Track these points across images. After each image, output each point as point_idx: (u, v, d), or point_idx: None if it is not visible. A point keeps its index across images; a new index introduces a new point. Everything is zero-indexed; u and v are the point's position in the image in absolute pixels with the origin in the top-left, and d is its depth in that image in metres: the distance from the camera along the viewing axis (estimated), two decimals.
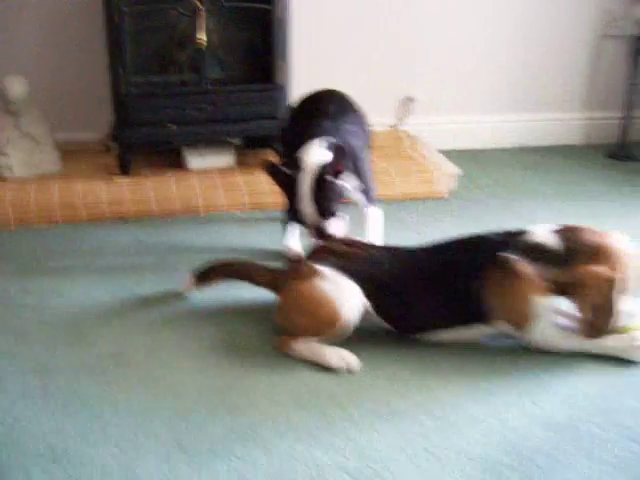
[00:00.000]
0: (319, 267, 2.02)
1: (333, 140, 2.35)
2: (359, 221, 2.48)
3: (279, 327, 2.08)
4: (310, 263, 2.05)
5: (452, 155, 3.51)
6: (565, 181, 3.41)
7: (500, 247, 2.01)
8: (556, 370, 1.97)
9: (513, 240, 2.02)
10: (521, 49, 3.80)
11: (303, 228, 2.41)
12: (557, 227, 2.04)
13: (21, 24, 3.29)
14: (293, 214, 2.33)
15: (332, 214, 2.27)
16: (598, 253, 1.96)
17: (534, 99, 3.90)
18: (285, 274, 2.11)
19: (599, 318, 1.96)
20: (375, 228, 2.50)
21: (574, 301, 1.99)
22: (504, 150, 3.83)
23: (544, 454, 1.67)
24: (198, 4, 2.94)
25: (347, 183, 2.36)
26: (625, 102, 3.75)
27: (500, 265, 1.98)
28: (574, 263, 1.96)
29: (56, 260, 2.58)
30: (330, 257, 2.06)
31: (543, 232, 2.02)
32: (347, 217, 2.35)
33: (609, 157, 3.78)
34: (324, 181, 2.24)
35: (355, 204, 2.49)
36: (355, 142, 2.46)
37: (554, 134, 3.95)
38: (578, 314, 1.98)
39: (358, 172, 2.39)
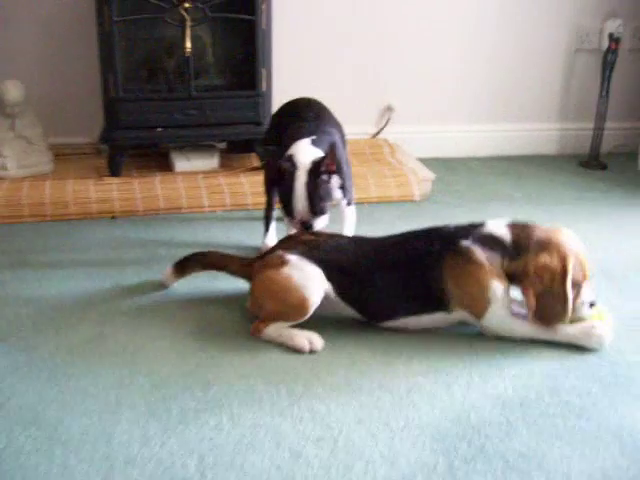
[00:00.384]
0: (287, 255, 2.14)
1: (323, 139, 2.46)
2: (336, 218, 2.60)
3: (251, 313, 2.22)
4: (279, 252, 2.18)
5: (429, 162, 3.67)
6: (537, 187, 3.56)
7: (458, 237, 2.12)
8: (510, 354, 2.10)
9: (470, 231, 2.13)
10: (498, 62, 3.95)
11: (286, 221, 2.51)
12: (509, 222, 2.16)
13: (18, 31, 3.45)
14: (283, 207, 2.41)
15: (323, 212, 2.37)
16: (546, 246, 2.07)
17: (511, 110, 4.05)
18: (256, 263, 2.23)
19: (547, 307, 2.07)
20: (351, 225, 2.63)
21: (521, 291, 2.10)
22: (480, 158, 3.98)
23: (492, 426, 1.79)
24: (185, 14, 3.09)
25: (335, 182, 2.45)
26: (597, 113, 3.91)
27: (458, 253, 2.09)
28: (523, 255, 2.07)
29: (46, 253, 2.71)
30: (298, 246, 2.18)
31: (496, 225, 2.14)
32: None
33: (582, 166, 3.93)
34: (319, 180, 2.34)
35: (336, 202, 2.59)
36: (338, 142, 2.57)
37: (529, 144, 4.10)
38: (526, 304, 2.09)
39: (340, 172, 2.48)
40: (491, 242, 2.10)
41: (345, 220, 2.62)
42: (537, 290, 2.06)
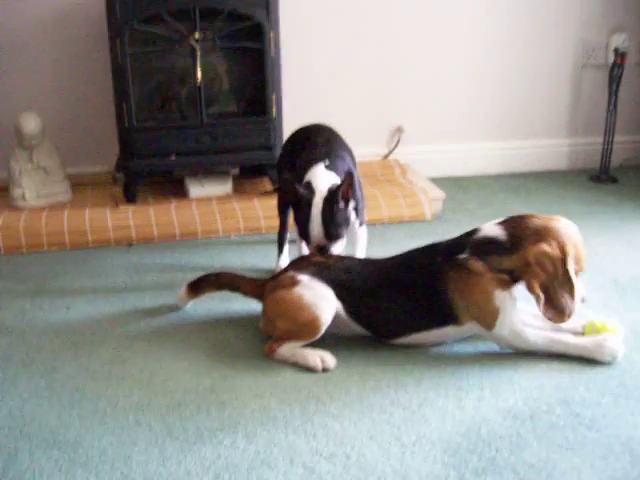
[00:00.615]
0: (299, 276, 2.20)
1: (336, 162, 2.51)
2: (349, 238, 2.62)
3: (265, 332, 2.27)
4: (291, 272, 2.23)
5: (440, 181, 3.72)
6: (547, 203, 3.58)
7: (455, 249, 2.14)
8: (520, 367, 2.13)
9: (464, 242, 2.15)
10: (506, 79, 3.99)
11: (302, 244, 2.57)
12: (502, 219, 2.16)
13: (34, 64, 3.54)
14: (299, 232, 2.45)
15: (339, 237, 2.41)
16: (542, 234, 2.06)
17: (520, 127, 4.09)
18: (269, 284, 2.28)
19: (555, 297, 2.04)
20: (362, 246, 2.67)
21: (526, 285, 2.07)
22: (490, 176, 4.02)
23: (503, 438, 1.82)
24: (195, 45, 3.17)
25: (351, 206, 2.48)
26: (606, 128, 3.94)
27: (456, 266, 2.11)
28: (521, 247, 2.06)
29: (65, 280, 2.78)
30: (309, 266, 2.24)
31: (489, 226, 2.15)
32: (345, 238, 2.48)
33: (592, 180, 3.95)
34: (336, 207, 2.37)
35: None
36: (351, 166, 2.62)
37: (539, 160, 4.13)
38: (533, 296, 2.06)
39: (354, 195, 2.50)
40: (487, 246, 2.11)
41: (357, 241, 2.66)
42: (542, 280, 2.04)
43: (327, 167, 2.50)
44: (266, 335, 2.27)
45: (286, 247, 2.76)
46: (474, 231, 2.18)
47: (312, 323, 2.14)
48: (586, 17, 3.97)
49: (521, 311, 2.19)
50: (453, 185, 3.81)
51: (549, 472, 1.71)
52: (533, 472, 1.71)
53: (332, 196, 2.37)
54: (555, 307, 2.06)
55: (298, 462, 1.75)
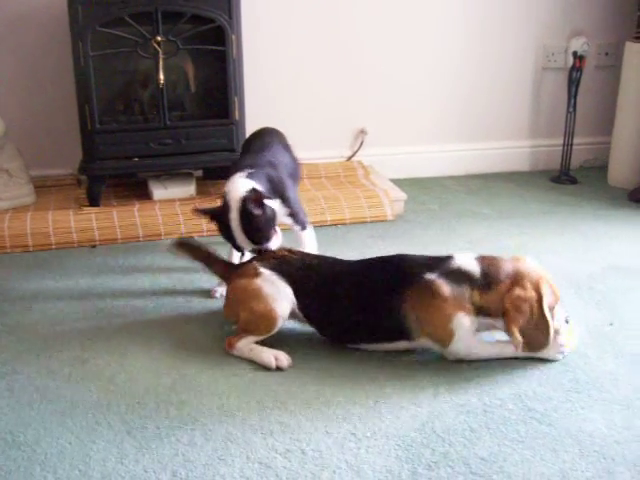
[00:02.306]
0: (261, 268, 2.25)
1: (260, 171, 2.50)
2: (295, 243, 2.63)
3: (226, 317, 2.34)
4: (255, 263, 2.29)
5: (404, 183, 3.77)
6: (508, 203, 3.65)
7: (424, 269, 2.15)
8: (475, 364, 2.17)
9: (437, 264, 2.16)
10: (467, 82, 4.05)
11: (231, 250, 2.62)
12: (476, 255, 2.19)
13: None
14: (232, 244, 2.45)
15: (266, 239, 2.39)
16: (516, 278, 2.12)
17: (482, 129, 4.15)
18: (235, 271, 2.34)
19: (532, 337, 2.11)
20: (311, 248, 2.65)
21: (504, 327, 2.12)
22: (453, 177, 4.08)
23: (456, 433, 1.87)
24: (157, 47, 3.19)
25: (274, 208, 2.46)
26: (566, 130, 4.01)
27: (422, 286, 2.11)
28: (494, 288, 2.11)
29: (28, 282, 2.78)
30: (272, 260, 2.29)
31: (465, 259, 2.17)
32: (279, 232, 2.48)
33: (553, 181, 4.03)
34: (251, 215, 2.33)
35: (290, 228, 2.64)
36: (280, 171, 2.60)
37: (502, 161, 4.19)
38: (511, 338, 2.11)
39: (284, 199, 2.52)
40: (459, 275, 2.13)
41: (305, 246, 2.64)
42: (520, 324, 2.09)
43: (249, 176, 2.46)
44: (227, 330, 2.31)
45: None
46: (448, 257, 2.18)
47: (268, 314, 2.19)
48: (546, 21, 4.04)
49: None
50: (415, 186, 3.86)
51: (500, 465, 1.76)
52: (485, 465, 1.76)
53: (244, 206, 2.34)
54: (530, 344, 2.13)
55: (254, 458, 1.78)
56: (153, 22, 3.18)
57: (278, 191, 2.52)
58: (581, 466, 1.75)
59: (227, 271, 2.40)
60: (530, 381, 2.10)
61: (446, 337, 2.13)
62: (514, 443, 1.84)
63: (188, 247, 2.49)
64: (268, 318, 2.19)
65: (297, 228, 2.64)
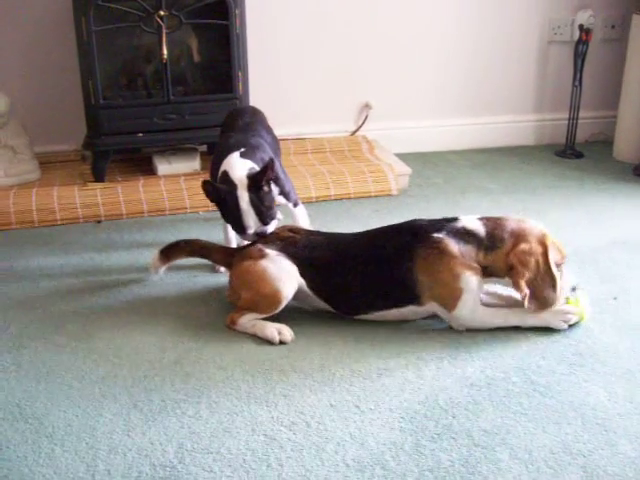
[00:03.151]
0: (266, 249, 2.25)
1: (252, 150, 2.49)
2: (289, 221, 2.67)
3: (230, 301, 2.32)
4: (259, 245, 2.29)
5: (408, 157, 3.75)
6: (512, 178, 3.64)
7: (431, 229, 2.18)
8: (479, 338, 2.19)
9: (443, 224, 2.20)
10: (473, 56, 4.02)
11: (227, 235, 2.63)
12: (481, 216, 2.22)
13: (1, 44, 3.53)
14: (233, 227, 2.43)
15: (271, 218, 2.39)
16: (521, 235, 2.15)
17: (487, 103, 4.12)
18: (238, 254, 2.33)
19: (540, 291, 2.12)
20: (305, 224, 2.67)
21: (511, 282, 2.14)
22: (457, 152, 4.06)
23: (459, 406, 1.88)
24: (160, 22, 3.17)
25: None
26: (571, 104, 3.99)
27: (430, 244, 2.15)
28: (499, 247, 2.15)
29: (33, 259, 2.79)
30: (277, 241, 2.29)
31: (470, 219, 2.21)
32: (280, 216, 2.51)
33: (558, 155, 4.01)
34: (261, 192, 2.34)
35: (284, 206, 2.66)
36: (268, 151, 2.60)
37: (507, 136, 4.17)
38: (519, 293, 2.13)
39: (276, 178, 2.51)
40: (465, 235, 2.17)
41: (298, 221, 2.67)
42: (527, 278, 2.11)
43: (242, 155, 2.46)
44: (231, 306, 2.31)
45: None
46: (454, 219, 2.22)
47: (273, 296, 2.19)
48: None
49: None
50: (420, 161, 3.86)
51: (503, 437, 1.77)
52: (487, 437, 1.77)
53: (254, 183, 2.34)
54: (538, 299, 2.14)
55: (259, 430, 1.80)
56: None
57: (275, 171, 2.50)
58: (583, 438, 1.77)
59: (228, 256, 2.38)
60: (534, 354, 2.11)
61: (453, 298, 2.15)
62: (517, 415, 1.85)
63: (176, 250, 2.45)
64: (273, 299, 2.20)
65: (290, 205, 2.66)
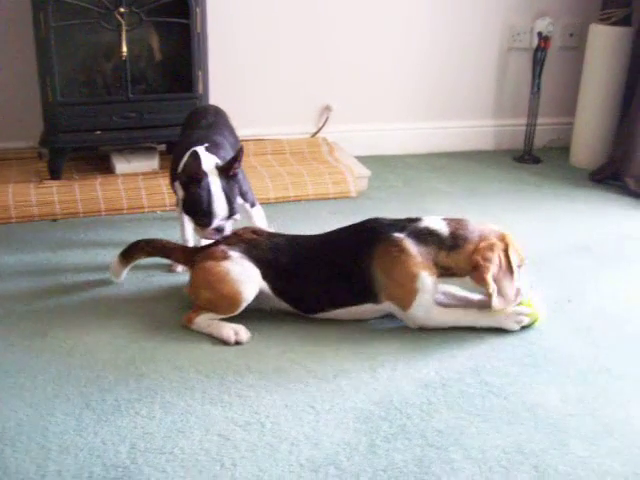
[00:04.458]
0: (230, 251, 2.24)
1: (217, 148, 2.49)
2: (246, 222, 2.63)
3: (189, 299, 2.31)
4: (222, 246, 2.27)
5: (368, 160, 3.76)
6: (471, 182, 3.67)
7: (391, 229, 2.20)
8: (434, 339, 2.20)
9: (405, 224, 2.22)
10: (434, 61, 4.05)
11: (197, 232, 2.51)
12: (444, 217, 2.25)
13: None
14: (196, 217, 2.38)
15: (237, 212, 2.39)
16: (483, 235, 2.19)
17: (447, 107, 4.15)
18: (199, 253, 2.32)
19: (504, 287, 2.15)
20: (261, 224, 2.65)
21: (473, 282, 2.17)
22: (417, 155, 4.09)
23: (414, 407, 1.89)
24: (120, 19, 3.14)
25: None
26: (529, 110, 4.04)
27: (389, 243, 2.17)
28: (462, 246, 2.17)
29: None
30: (239, 243, 2.28)
31: (434, 219, 2.23)
32: (238, 217, 2.46)
33: (516, 161, 4.06)
34: (232, 182, 2.36)
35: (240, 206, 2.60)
36: (229, 151, 2.58)
37: (467, 140, 4.21)
38: (485, 290, 2.15)
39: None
40: (427, 235, 2.19)
41: (256, 222, 2.65)
42: (493, 272, 2.14)
43: (207, 150, 2.45)
44: (188, 306, 2.29)
45: (188, 223, 2.67)
46: (417, 219, 2.24)
47: (233, 297, 2.18)
48: (512, 1, 4.05)
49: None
50: (380, 164, 3.87)
51: (456, 437, 1.79)
52: (441, 437, 1.78)
53: (226, 170, 2.35)
54: (505, 295, 2.17)
55: (213, 431, 1.79)
56: None
57: None
58: (535, 438, 1.79)
59: (189, 255, 2.35)
60: (488, 356, 2.13)
61: (408, 297, 2.17)
62: (471, 416, 1.87)
63: (136, 250, 2.43)
64: (232, 300, 2.19)
65: (247, 206, 2.64)
